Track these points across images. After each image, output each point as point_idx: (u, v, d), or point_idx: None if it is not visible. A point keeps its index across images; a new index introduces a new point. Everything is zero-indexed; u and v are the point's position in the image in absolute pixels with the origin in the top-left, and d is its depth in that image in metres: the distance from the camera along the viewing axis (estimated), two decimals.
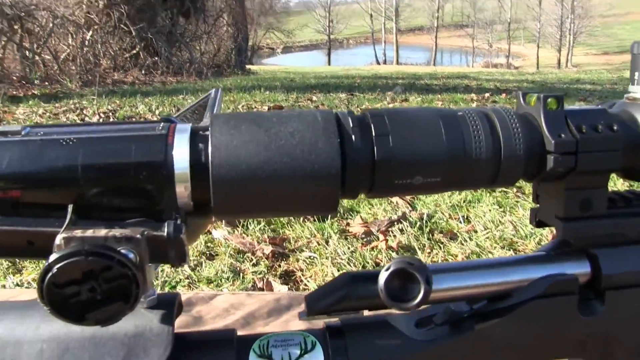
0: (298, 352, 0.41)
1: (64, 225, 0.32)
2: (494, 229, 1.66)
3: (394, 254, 1.48)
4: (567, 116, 0.40)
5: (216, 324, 0.98)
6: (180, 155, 0.35)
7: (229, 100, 4.70)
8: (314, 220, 1.69)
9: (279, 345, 0.42)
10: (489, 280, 0.44)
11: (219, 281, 1.28)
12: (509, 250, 1.54)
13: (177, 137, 0.36)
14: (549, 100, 0.40)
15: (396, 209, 1.83)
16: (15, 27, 6.18)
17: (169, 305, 0.41)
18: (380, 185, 0.38)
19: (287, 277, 1.32)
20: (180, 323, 0.97)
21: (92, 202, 0.34)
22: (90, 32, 7.31)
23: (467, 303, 0.45)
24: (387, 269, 0.33)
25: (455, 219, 1.77)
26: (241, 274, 1.30)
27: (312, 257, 1.42)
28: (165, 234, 0.34)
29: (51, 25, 6.83)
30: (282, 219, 1.66)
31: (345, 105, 4.33)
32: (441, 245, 1.54)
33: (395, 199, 1.93)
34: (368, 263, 1.42)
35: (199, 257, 1.39)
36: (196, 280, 1.28)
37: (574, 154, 0.39)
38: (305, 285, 1.28)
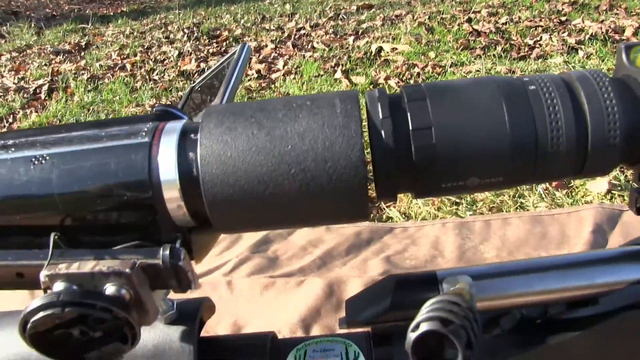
0: None
1: (48, 259, 0.28)
2: None
3: None
4: None
5: (292, 265, 0.97)
6: (167, 168, 0.29)
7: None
8: None
9: (317, 355, 0.37)
10: (572, 282, 0.36)
11: None
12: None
13: (163, 145, 0.29)
14: None
15: None
16: None
17: (191, 318, 0.37)
18: (423, 189, 0.30)
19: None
20: (254, 267, 0.96)
21: (77, 228, 0.30)
22: None
23: (542, 308, 0.37)
24: (415, 327, 0.26)
25: None
26: None
27: None
28: (161, 262, 0.29)
29: None
30: None
31: None
32: None
33: None
34: None
35: None
36: None
37: None
38: (389, 215, 1.23)
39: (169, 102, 2.22)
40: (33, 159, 0.29)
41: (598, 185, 1.29)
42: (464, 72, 2.21)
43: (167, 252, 0.29)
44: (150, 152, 0.29)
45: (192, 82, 0.56)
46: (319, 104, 0.29)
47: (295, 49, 2.77)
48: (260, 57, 2.67)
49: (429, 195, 0.32)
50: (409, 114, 0.29)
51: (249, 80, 2.30)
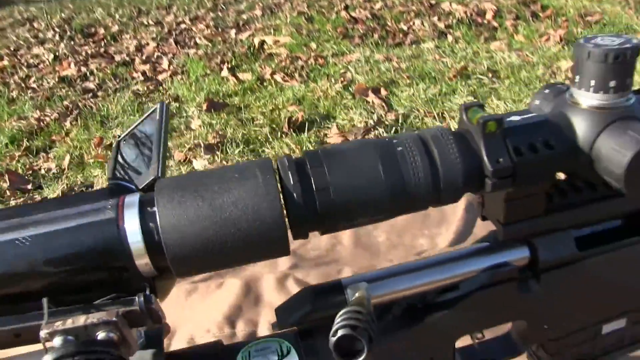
0: (276, 358, 0.47)
1: (44, 320, 0.35)
2: None
3: None
4: (506, 136, 0.41)
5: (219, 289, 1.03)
6: (134, 238, 0.37)
7: None
8: (293, 133, 1.71)
9: (259, 354, 0.47)
10: (440, 276, 0.48)
11: None
12: None
13: (127, 218, 0.37)
14: (489, 123, 0.41)
15: (372, 111, 1.85)
16: None
17: (158, 340, 0.45)
18: (326, 229, 0.41)
19: None
20: (179, 292, 1.02)
21: (64, 291, 0.37)
22: None
23: (421, 296, 0.49)
24: (334, 333, 0.37)
25: (430, 115, 1.80)
26: None
27: None
28: (138, 308, 0.37)
29: None
30: (259, 137, 1.69)
31: None
32: None
33: (371, 99, 1.93)
34: None
35: None
36: None
37: (511, 176, 0.41)
38: None
39: (56, 114, 2.14)
40: (17, 242, 0.36)
41: None
42: (344, 61, 2.35)
43: (142, 299, 0.37)
44: (118, 226, 0.37)
45: (117, 137, 0.62)
46: (244, 175, 0.38)
47: (179, 47, 2.77)
48: (144, 57, 2.65)
49: (331, 232, 0.42)
50: (312, 178, 0.39)
51: (135, 84, 2.28)
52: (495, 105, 1.85)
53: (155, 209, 0.37)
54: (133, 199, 0.39)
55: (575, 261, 0.50)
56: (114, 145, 0.57)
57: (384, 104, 1.89)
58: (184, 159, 1.57)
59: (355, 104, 1.90)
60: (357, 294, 0.43)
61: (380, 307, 0.49)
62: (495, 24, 2.79)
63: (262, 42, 2.64)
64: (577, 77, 0.43)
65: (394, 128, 1.70)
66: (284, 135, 1.69)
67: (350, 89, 2.05)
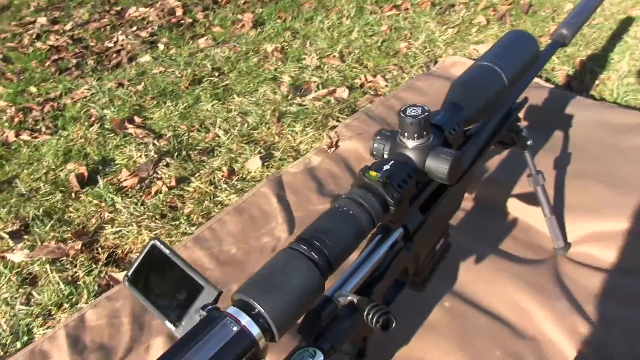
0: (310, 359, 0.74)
1: None
2: (231, 129, 2.00)
3: (176, 191, 1.72)
4: (391, 181, 0.75)
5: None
6: (255, 332, 0.60)
7: None
8: (87, 188, 1.77)
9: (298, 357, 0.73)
10: (371, 263, 0.81)
11: (67, 300, 1.38)
12: (251, 144, 1.91)
13: (246, 324, 0.59)
14: (384, 179, 0.73)
15: (143, 142, 1.99)
16: None
17: None
18: (334, 270, 0.69)
19: (115, 260, 1.49)
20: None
21: None
22: None
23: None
24: (377, 321, 0.67)
25: (194, 129, 2.04)
26: (80, 282, 1.42)
27: (118, 231, 1.58)
28: None
29: None
30: (57, 205, 1.70)
31: None
32: (205, 164, 1.83)
33: (132, 130, 2.06)
34: (164, 209, 1.64)
35: (22, 291, 1.42)
36: (48, 311, 1.36)
37: (401, 201, 0.75)
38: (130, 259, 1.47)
39: None
40: None
41: (253, 162, 1.79)
42: (79, 98, 2.37)
43: None
44: (244, 332, 0.58)
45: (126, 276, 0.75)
46: (293, 267, 0.64)
47: None
48: None
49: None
50: (325, 250, 0.66)
51: None
52: (239, 102, 2.18)
53: (257, 310, 0.60)
54: (236, 311, 0.61)
55: (424, 221, 0.88)
56: (126, 284, 0.72)
57: (147, 132, 2.05)
58: None
59: (122, 140, 2.01)
60: (355, 300, 0.72)
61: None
62: (188, 19, 3.06)
63: None
64: (405, 133, 0.79)
65: (176, 153, 1.89)
66: (80, 195, 1.74)
67: (106, 126, 2.12)
